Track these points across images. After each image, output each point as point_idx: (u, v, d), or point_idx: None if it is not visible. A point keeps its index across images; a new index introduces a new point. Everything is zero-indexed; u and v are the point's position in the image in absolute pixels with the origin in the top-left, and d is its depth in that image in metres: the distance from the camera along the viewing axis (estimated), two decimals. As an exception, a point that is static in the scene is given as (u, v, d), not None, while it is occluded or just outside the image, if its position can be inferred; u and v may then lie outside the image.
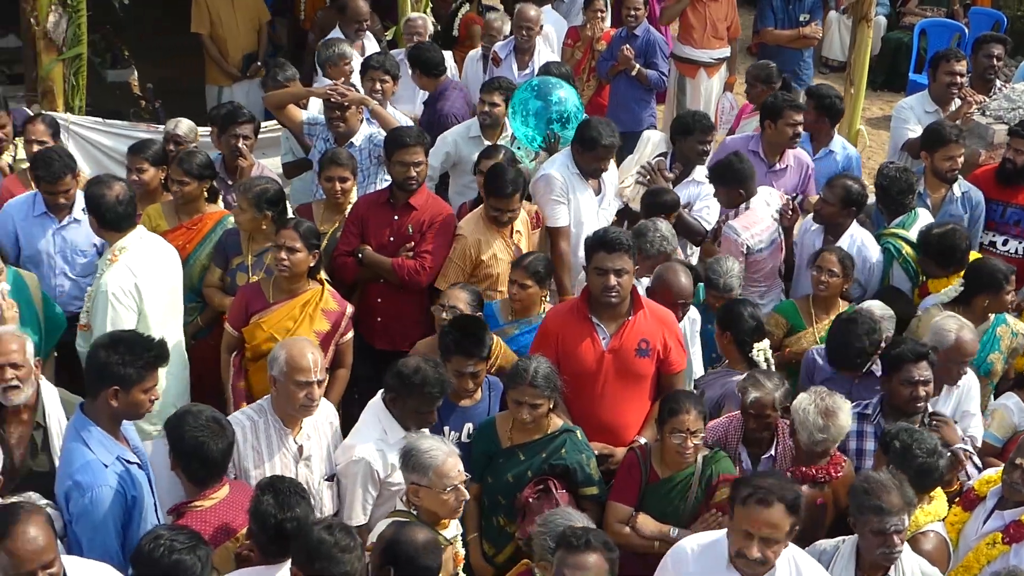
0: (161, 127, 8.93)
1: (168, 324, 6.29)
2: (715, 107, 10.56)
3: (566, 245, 7.18)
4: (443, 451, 4.98)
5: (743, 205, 7.28)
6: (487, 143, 7.91)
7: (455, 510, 5.06)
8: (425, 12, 9.82)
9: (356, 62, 8.84)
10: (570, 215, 7.19)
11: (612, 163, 7.54)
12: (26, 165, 7.48)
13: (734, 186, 7.25)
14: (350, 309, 6.41)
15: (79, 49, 8.78)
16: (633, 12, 10.03)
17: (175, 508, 4.93)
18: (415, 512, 5.01)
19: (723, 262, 6.73)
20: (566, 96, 7.78)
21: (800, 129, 7.86)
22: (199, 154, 7.01)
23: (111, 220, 6.16)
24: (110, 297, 6.04)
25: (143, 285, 6.14)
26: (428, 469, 4.93)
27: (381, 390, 5.60)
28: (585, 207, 7.24)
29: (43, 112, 7.85)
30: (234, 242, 6.76)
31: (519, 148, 7.89)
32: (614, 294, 5.76)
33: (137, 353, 4.90)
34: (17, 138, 7.82)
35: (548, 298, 6.61)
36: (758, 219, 7.26)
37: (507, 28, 9.82)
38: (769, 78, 8.86)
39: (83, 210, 6.65)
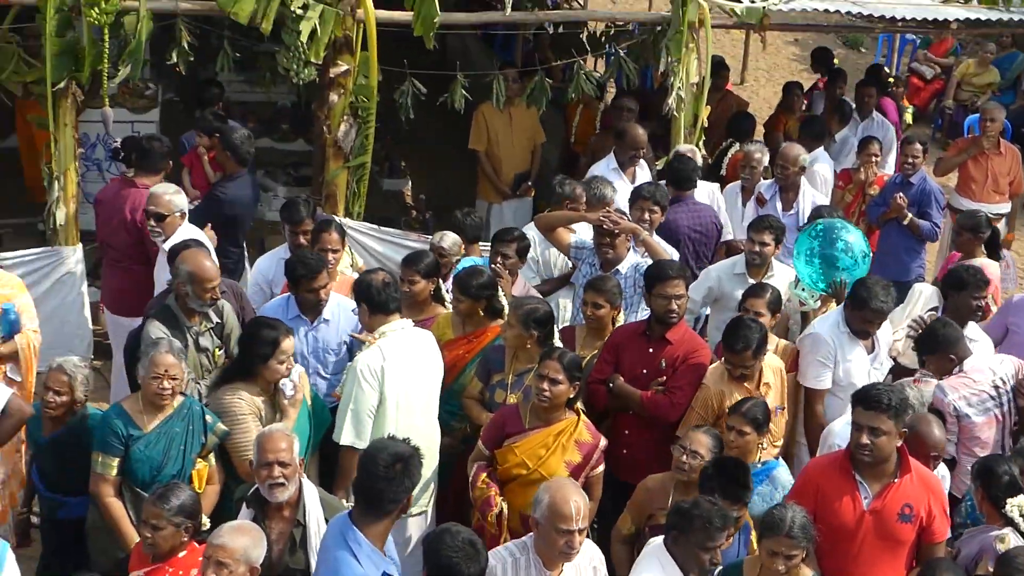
0: (427, 238, 9.28)
1: (413, 414, 6.49)
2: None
3: (821, 408, 7.04)
4: None
5: (956, 369, 6.94)
6: (751, 281, 7.81)
7: None
8: (697, 146, 9.83)
9: (626, 188, 8.94)
10: (839, 375, 7.04)
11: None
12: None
13: (942, 353, 6.93)
14: (603, 442, 6.33)
15: (364, 158, 9.22)
16: (911, 159, 9.79)
17: None
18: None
19: None
20: (854, 241, 7.72)
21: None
22: (482, 274, 7.07)
23: (377, 303, 6.46)
24: (358, 374, 6.35)
25: (389, 369, 6.38)
26: None
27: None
28: (856, 367, 7.08)
29: (333, 218, 8.16)
30: (498, 358, 6.83)
31: (803, 290, 7.83)
32: (866, 452, 5.61)
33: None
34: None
35: (764, 445, 6.45)
36: (971, 383, 6.90)
37: (765, 160, 9.75)
38: (977, 227, 8.60)
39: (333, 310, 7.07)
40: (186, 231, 7.67)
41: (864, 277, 7.35)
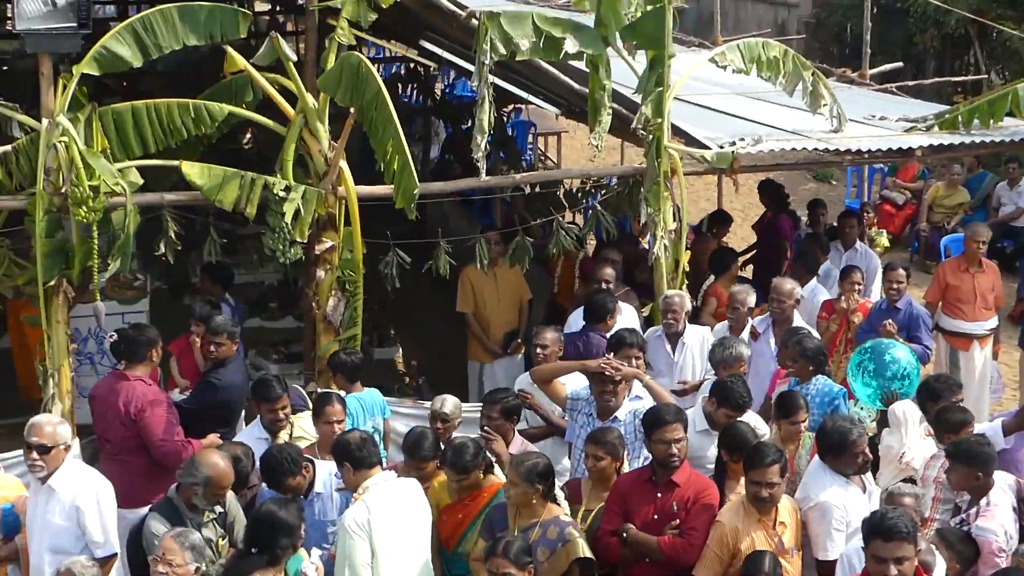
0: (425, 403, 9.31)
1: (406, 564, 6.57)
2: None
3: None
4: None
5: (983, 500, 6.84)
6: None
7: None
8: (681, 288, 9.95)
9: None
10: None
11: None
12: (304, 443, 7.86)
13: (974, 468, 6.85)
14: None
15: (355, 330, 9.30)
16: (896, 285, 9.95)
17: None
18: None
19: None
20: (902, 355, 8.28)
21: None
22: (468, 447, 7.04)
23: (358, 460, 6.60)
24: (347, 529, 6.43)
25: (375, 522, 6.47)
26: None
27: None
28: (855, 512, 6.82)
29: (333, 392, 8.18)
30: (500, 517, 6.80)
31: (861, 408, 8.23)
32: None
33: None
34: (295, 415, 8.22)
35: None
36: (1002, 512, 6.80)
37: (751, 301, 9.88)
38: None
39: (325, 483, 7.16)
40: (71, 465, 7.18)
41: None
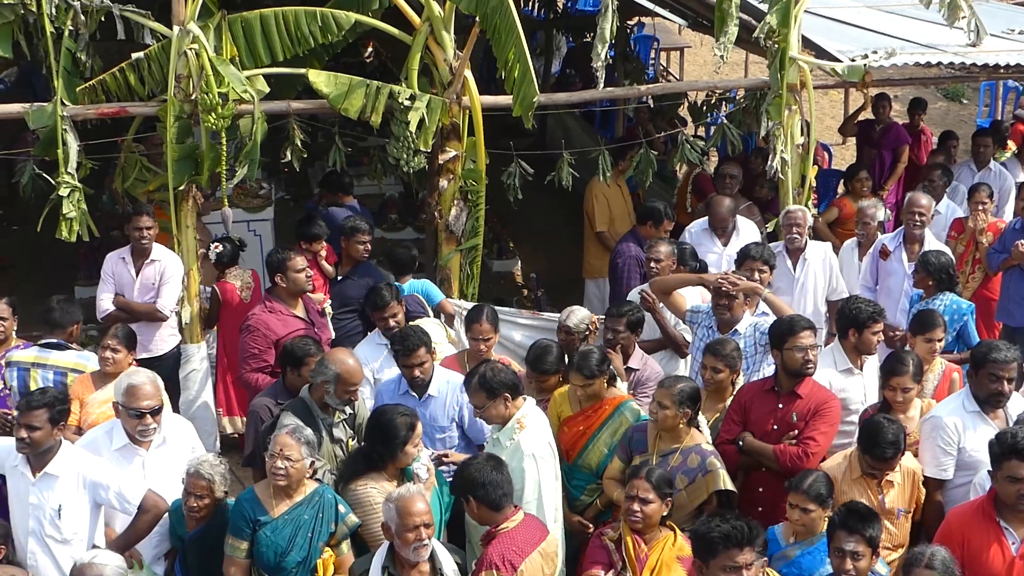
0: (543, 314, 9.35)
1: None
2: None
3: (941, 498, 6.61)
4: None
5: None
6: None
7: None
8: (806, 205, 9.79)
9: (719, 250, 9.19)
10: (964, 459, 6.59)
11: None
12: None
13: None
14: None
15: (476, 240, 9.38)
16: (1028, 204, 9.65)
17: None
18: None
19: None
20: None
21: None
22: (593, 354, 6.99)
23: (516, 388, 6.53)
24: (535, 457, 6.38)
25: (550, 442, 6.54)
26: None
27: None
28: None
29: (484, 305, 8.06)
30: (640, 439, 6.69)
31: None
32: None
33: None
34: (415, 321, 8.26)
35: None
36: None
37: (880, 215, 9.67)
38: None
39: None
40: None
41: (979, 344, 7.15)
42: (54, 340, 7.77)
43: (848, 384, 7.32)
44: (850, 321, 7.37)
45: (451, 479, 6.31)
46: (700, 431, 6.68)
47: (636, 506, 5.84)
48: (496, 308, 8.17)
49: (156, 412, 6.61)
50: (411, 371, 7.15)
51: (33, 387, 7.43)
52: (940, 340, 7.46)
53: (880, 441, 6.21)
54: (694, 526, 5.44)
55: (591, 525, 6.74)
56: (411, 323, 7.84)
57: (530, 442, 6.43)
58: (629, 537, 5.86)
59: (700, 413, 6.72)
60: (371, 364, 7.86)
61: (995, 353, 6.62)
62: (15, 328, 7.96)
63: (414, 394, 7.20)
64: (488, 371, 6.51)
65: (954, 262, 8.69)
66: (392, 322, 7.94)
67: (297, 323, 8.19)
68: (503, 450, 6.39)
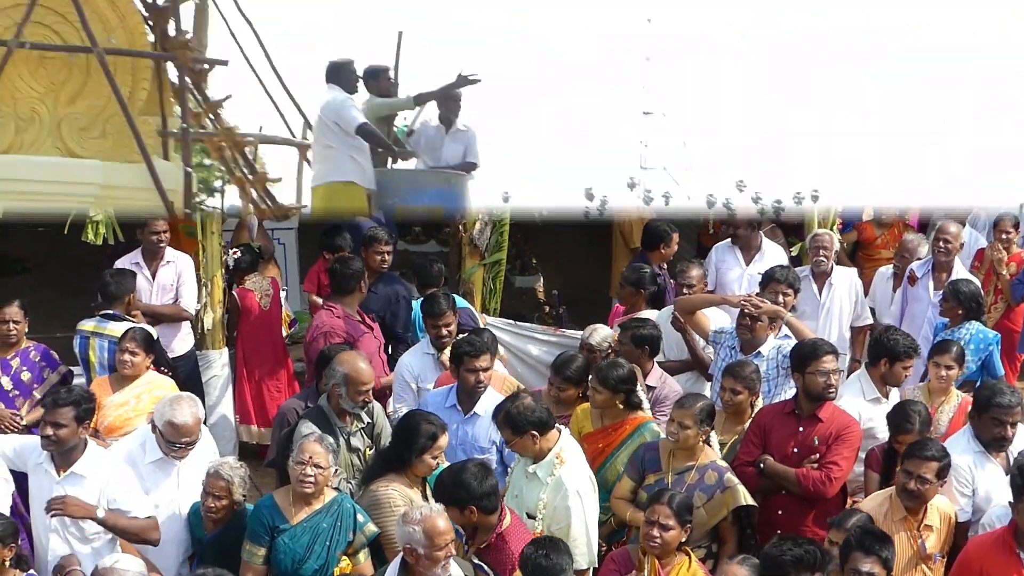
0: (566, 331, 9.33)
1: None
2: None
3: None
4: None
5: None
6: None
7: None
8: (832, 230, 9.76)
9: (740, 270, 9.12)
10: (978, 502, 6.54)
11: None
12: None
13: None
14: None
15: (499, 255, 9.40)
16: (1056, 236, 9.60)
17: None
18: None
19: None
20: None
21: None
22: (618, 367, 6.98)
23: (544, 424, 6.31)
24: (579, 494, 6.17)
25: (586, 474, 6.38)
26: None
27: None
28: (995, 489, 6.52)
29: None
30: (653, 458, 6.65)
31: None
32: None
33: None
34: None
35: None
36: None
37: (923, 250, 9.63)
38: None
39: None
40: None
41: (986, 382, 7.11)
42: (111, 312, 8.05)
43: (876, 413, 7.28)
44: (885, 351, 7.36)
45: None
46: (712, 447, 6.69)
47: (656, 531, 5.79)
48: (516, 323, 8.14)
49: (193, 444, 6.58)
50: (475, 375, 7.06)
51: (92, 355, 7.87)
52: (951, 368, 7.41)
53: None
54: (765, 548, 5.36)
55: (604, 544, 6.69)
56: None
57: (572, 478, 6.24)
58: (651, 562, 5.81)
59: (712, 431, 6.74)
60: (416, 372, 7.84)
61: (999, 397, 6.64)
62: (26, 330, 8.04)
63: (460, 409, 7.14)
64: (514, 408, 6.34)
65: (982, 292, 8.64)
66: (445, 331, 7.86)
67: (361, 327, 8.19)
68: (541, 486, 6.24)
